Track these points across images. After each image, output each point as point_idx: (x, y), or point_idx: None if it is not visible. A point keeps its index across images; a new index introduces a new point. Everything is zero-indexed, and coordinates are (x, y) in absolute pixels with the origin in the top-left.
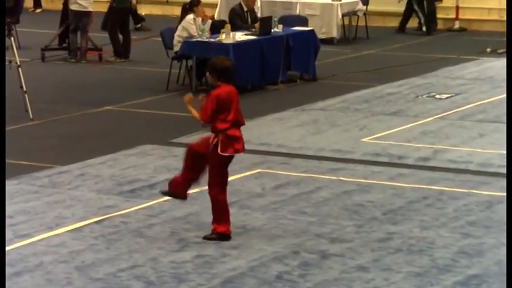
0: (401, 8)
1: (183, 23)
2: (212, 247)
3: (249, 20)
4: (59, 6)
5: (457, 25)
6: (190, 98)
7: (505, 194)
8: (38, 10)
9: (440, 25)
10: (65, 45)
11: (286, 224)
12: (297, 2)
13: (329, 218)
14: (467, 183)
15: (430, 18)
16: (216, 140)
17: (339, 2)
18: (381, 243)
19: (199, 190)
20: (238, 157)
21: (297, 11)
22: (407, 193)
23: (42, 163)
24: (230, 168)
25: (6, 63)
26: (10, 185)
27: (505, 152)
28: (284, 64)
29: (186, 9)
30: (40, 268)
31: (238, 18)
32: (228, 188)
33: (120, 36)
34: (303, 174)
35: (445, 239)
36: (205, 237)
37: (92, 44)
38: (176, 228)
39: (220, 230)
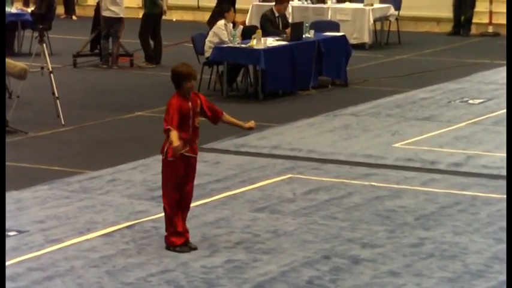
0: (432, 12)
1: (214, 28)
2: (243, 252)
3: (280, 25)
4: (91, 12)
5: (490, 30)
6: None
7: None
8: (74, 17)
9: (473, 30)
10: (96, 51)
11: (317, 229)
12: (328, 8)
13: (360, 223)
14: (500, 189)
15: (467, 22)
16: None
17: (370, 7)
18: (413, 248)
19: (230, 194)
20: (270, 162)
21: (329, 16)
22: (440, 198)
23: (74, 168)
24: (261, 173)
25: (38, 69)
26: (41, 190)
27: None
28: (315, 69)
29: (215, 15)
30: (71, 273)
31: (270, 24)
32: (260, 194)
33: (152, 42)
34: (334, 180)
35: (478, 245)
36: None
37: (123, 50)
38: (206, 233)
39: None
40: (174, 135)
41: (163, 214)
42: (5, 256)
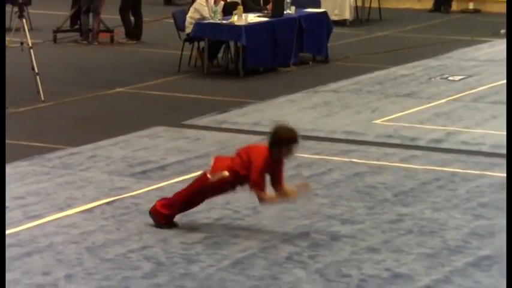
0: None
1: (195, 4)
2: (222, 228)
3: (262, 1)
4: None
5: (470, 6)
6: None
7: None
8: None
9: (454, 7)
10: (76, 27)
11: (297, 205)
12: None
13: (340, 200)
14: (479, 165)
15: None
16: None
17: None
18: (392, 224)
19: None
20: (250, 139)
21: None
22: (419, 175)
23: (54, 145)
24: None
25: (18, 45)
26: (22, 167)
27: None
28: (296, 46)
29: None
30: (50, 249)
31: (251, 0)
32: None
33: (132, 18)
34: (314, 156)
35: (457, 221)
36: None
37: (103, 26)
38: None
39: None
40: (272, 198)
41: (143, 190)
42: (5, 256)
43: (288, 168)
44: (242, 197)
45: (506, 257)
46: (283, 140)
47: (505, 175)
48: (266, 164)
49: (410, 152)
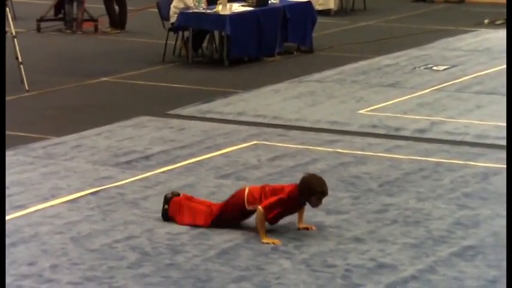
0: None
1: None
2: None
3: None
4: None
5: None
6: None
7: (502, 166)
8: None
9: None
10: (60, 16)
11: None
12: None
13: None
14: (463, 155)
15: None
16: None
17: None
18: (377, 214)
19: (195, 161)
20: (235, 129)
21: None
22: (404, 165)
23: (38, 134)
24: (227, 139)
25: None
26: (6, 156)
27: (502, 123)
28: (281, 36)
29: None
30: (35, 239)
31: None
32: (225, 160)
33: (116, 7)
34: (299, 146)
35: (441, 211)
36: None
37: (87, 15)
38: None
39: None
40: (261, 228)
41: (128, 180)
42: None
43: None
44: (227, 187)
45: (506, 257)
46: (314, 192)
47: (489, 165)
48: (289, 200)
49: (395, 142)
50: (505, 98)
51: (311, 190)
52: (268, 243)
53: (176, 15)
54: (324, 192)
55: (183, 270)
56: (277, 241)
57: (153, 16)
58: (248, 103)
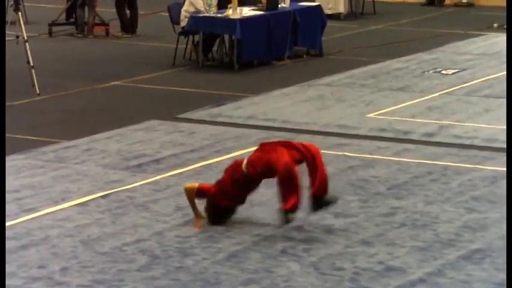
0: None
1: None
2: None
3: None
4: None
5: (464, 0)
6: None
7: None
8: None
9: (447, 0)
10: (72, 20)
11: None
12: None
13: (334, 193)
14: (472, 159)
15: None
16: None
17: None
18: (385, 218)
19: (205, 164)
20: (245, 132)
21: None
22: (412, 168)
23: (49, 138)
24: (236, 143)
25: (13, 38)
26: (17, 160)
27: None
28: (291, 39)
29: None
30: (46, 242)
31: None
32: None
33: (127, 11)
34: None
35: (449, 214)
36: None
37: (99, 19)
38: (181, 203)
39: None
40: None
41: (138, 183)
42: (5, 257)
43: None
44: None
45: (506, 256)
46: None
47: (497, 169)
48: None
49: (403, 146)
50: None
51: None
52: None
53: (187, 19)
54: None
55: (192, 273)
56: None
57: (164, 20)
58: (258, 107)
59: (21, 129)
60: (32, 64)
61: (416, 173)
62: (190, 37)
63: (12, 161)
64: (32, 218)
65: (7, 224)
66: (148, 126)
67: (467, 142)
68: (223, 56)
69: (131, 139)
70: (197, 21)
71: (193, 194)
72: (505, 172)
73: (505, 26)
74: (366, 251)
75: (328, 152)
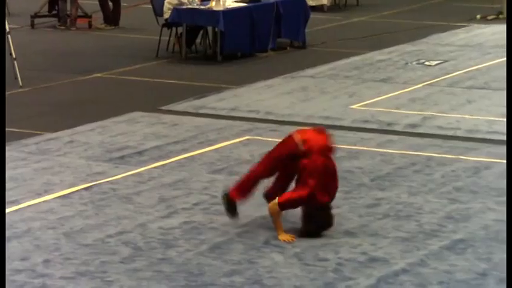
0: None
1: None
2: (200, 213)
3: None
4: None
5: None
6: None
7: (493, 160)
8: None
9: None
10: (54, 12)
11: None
12: None
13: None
14: (455, 150)
15: None
16: None
17: None
18: (369, 209)
19: (188, 156)
20: (228, 124)
21: None
22: (396, 159)
23: (31, 130)
24: (220, 135)
25: None
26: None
27: (494, 118)
28: (274, 31)
29: None
30: (28, 234)
31: None
32: (217, 155)
33: (110, 3)
34: None
35: (432, 205)
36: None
37: (81, 11)
38: (164, 195)
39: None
40: None
41: (121, 175)
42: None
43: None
44: (220, 182)
45: (506, 257)
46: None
47: (480, 159)
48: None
49: (387, 137)
50: (497, 92)
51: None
52: (285, 240)
53: (170, 11)
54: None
55: (175, 264)
56: (289, 237)
57: (147, 12)
58: (241, 98)
59: None
60: (14, 56)
61: (400, 164)
62: (174, 29)
63: None
64: (14, 210)
65: None
66: (131, 118)
67: (450, 133)
68: (206, 48)
69: (114, 131)
70: (180, 13)
71: (277, 210)
72: (488, 163)
73: (489, 17)
74: (349, 242)
75: None
